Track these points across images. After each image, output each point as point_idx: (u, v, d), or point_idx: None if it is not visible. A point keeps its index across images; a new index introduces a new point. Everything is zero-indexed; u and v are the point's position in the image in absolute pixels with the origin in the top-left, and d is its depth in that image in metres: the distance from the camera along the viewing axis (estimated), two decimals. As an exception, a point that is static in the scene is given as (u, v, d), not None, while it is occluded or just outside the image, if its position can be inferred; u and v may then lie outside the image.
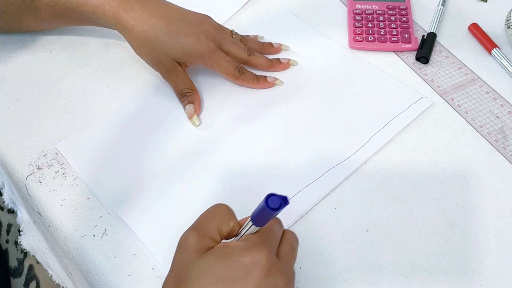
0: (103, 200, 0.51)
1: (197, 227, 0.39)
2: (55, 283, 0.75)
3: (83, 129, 0.57)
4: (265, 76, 0.61)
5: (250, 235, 0.39)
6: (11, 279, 0.98)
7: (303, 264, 0.47)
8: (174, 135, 0.56)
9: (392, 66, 0.64)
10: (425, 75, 0.63)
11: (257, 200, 0.51)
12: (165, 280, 0.39)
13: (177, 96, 0.58)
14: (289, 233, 0.41)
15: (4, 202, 0.69)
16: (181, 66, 0.58)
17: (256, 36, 0.65)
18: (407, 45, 0.65)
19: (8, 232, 1.01)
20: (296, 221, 0.50)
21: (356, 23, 0.67)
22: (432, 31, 0.66)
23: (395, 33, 0.66)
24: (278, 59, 0.63)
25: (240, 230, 0.40)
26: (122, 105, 0.60)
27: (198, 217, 0.40)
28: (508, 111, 0.59)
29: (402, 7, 0.69)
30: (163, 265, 0.47)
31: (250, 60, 0.60)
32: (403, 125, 0.57)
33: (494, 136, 0.57)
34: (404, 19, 0.67)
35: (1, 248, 1.00)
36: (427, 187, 0.52)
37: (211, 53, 0.57)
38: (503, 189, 0.52)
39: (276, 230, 0.40)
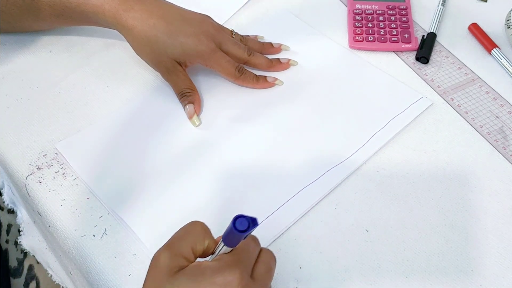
0: (103, 200, 0.51)
1: (170, 245, 0.38)
2: (55, 283, 0.75)
3: (83, 129, 0.57)
4: (265, 76, 0.61)
5: (223, 254, 0.38)
6: (11, 279, 0.98)
7: (303, 264, 0.47)
8: (174, 135, 0.57)
9: (392, 66, 0.64)
10: (425, 75, 0.63)
11: (257, 200, 0.51)
12: None
13: (177, 96, 0.58)
14: (265, 252, 0.40)
15: (4, 202, 0.70)
16: (181, 66, 0.58)
17: (256, 36, 0.65)
18: (407, 45, 0.65)
19: (8, 232, 1.01)
20: (296, 221, 0.50)
21: (356, 23, 0.67)
22: (432, 31, 0.66)
23: (395, 33, 0.66)
24: (278, 59, 0.63)
25: (215, 248, 0.39)
26: (122, 105, 0.60)
27: (172, 235, 0.39)
28: (508, 111, 0.59)
29: (402, 7, 0.69)
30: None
31: (250, 60, 0.60)
32: (403, 125, 0.57)
33: (494, 136, 0.57)
34: (404, 19, 0.67)
35: (1, 248, 1.00)
36: (427, 187, 0.52)
37: (211, 53, 0.57)
38: (503, 189, 0.52)
39: (252, 249, 0.39)
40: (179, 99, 0.58)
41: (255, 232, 0.48)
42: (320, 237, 0.49)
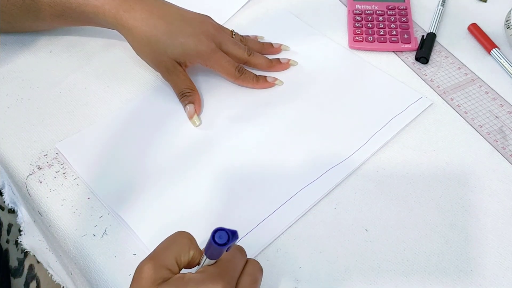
0: (103, 200, 0.51)
1: (154, 256, 0.38)
2: (56, 282, 0.75)
3: (84, 129, 0.57)
4: (265, 76, 0.61)
5: (207, 266, 0.37)
6: (12, 279, 0.98)
7: (303, 264, 0.47)
8: (174, 135, 0.57)
9: (392, 66, 0.64)
10: (425, 75, 0.63)
11: (257, 200, 0.51)
12: None
13: (177, 96, 0.58)
14: (251, 264, 0.40)
15: (4, 202, 0.70)
16: (181, 66, 0.58)
17: (256, 36, 0.65)
18: (407, 45, 0.65)
19: (8, 232, 1.01)
20: (296, 221, 0.50)
21: (356, 23, 0.67)
22: (431, 31, 0.66)
23: (394, 33, 0.66)
24: (278, 59, 0.63)
25: (201, 259, 0.39)
26: (123, 105, 0.60)
27: (157, 245, 0.39)
28: (508, 111, 0.59)
29: (401, 7, 0.69)
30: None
31: (250, 60, 0.60)
32: (402, 125, 0.57)
33: (493, 136, 0.57)
34: (403, 19, 0.67)
35: (1, 248, 1.00)
36: (426, 187, 0.52)
37: (211, 53, 0.57)
38: (502, 189, 0.52)
39: (237, 260, 0.39)
40: (179, 99, 0.58)
41: (252, 235, 0.48)
42: (320, 237, 0.49)
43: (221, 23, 0.63)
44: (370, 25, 0.67)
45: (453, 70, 0.63)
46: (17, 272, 0.99)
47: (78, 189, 0.52)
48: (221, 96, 0.60)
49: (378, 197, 0.52)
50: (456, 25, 0.69)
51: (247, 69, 0.60)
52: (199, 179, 0.53)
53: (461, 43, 0.66)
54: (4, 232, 1.01)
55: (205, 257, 0.38)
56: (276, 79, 0.61)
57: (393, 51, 0.66)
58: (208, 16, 0.61)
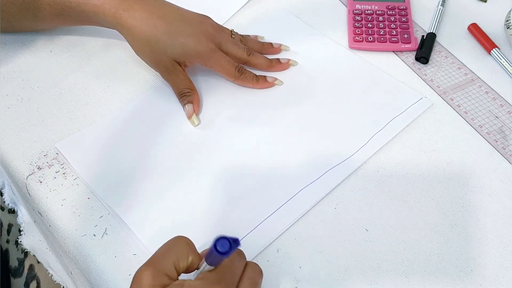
0: (103, 200, 0.51)
1: (153, 262, 0.38)
2: (56, 282, 0.75)
3: (84, 129, 0.57)
4: (265, 76, 0.61)
5: (207, 272, 0.37)
6: (12, 279, 0.98)
7: (303, 264, 0.47)
8: (174, 135, 0.57)
9: (392, 66, 0.64)
10: (425, 75, 0.63)
11: (257, 200, 0.51)
12: None
13: (177, 96, 0.58)
14: (251, 267, 0.40)
15: (4, 202, 0.70)
16: (180, 66, 0.58)
17: (256, 36, 0.65)
18: (407, 45, 0.65)
19: (8, 232, 1.01)
20: (296, 221, 0.50)
21: (356, 23, 0.67)
22: (431, 31, 0.66)
23: (394, 33, 0.66)
24: (278, 59, 0.63)
25: (200, 264, 0.39)
26: (123, 105, 0.60)
27: (155, 251, 0.39)
28: (508, 111, 0.59)
29: (401, 7, 0.69)
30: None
31: (249, 60, 0.60)
32: (403, 126, 0.57)
33: (493, 136, 0.57)
34: (403, 19, 0.67)
35: (1, 248, 1.00)
36: (426, 187, 0.52)
37: (211, 53, 0.57)
38: (502, 189, 0.52)
39: (236, 265, 0.39)
40: (179, 99, 0.58)
41: (252, 235, 0.48)
42: (320, 237, 0.49)
43: (221, 23, 0.64)
44: (370, 25, 0.67)
45: (453, 70, 0.63)
46: (17, 272, 0.99)
47: (78, 189, 0.52)
48: (221, 96, 0.60)
49: (378, 197, 0.52)
50: (456, 25, 0.69)
51: (247, 69, 0.60)
52: (199, 179, 0.53)
53: (461, 43, 0.66)
54: (4, 232, 1.01)
55: (204, 262, 0.38)
56: (276, 79, 0.61)
57: (393, 51, 0.66)
58: (208, 16, 0.61)
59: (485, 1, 0.72)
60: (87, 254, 0.48)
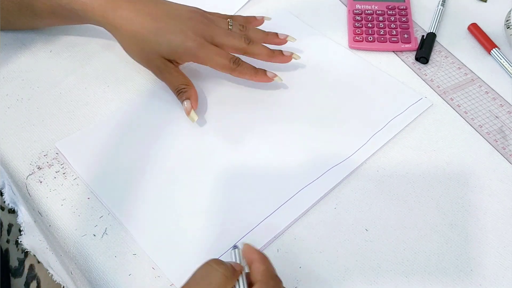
0: (102, 200, 0.51)
1: None
2: (56, 282, 0.75)
3: (84, 128, 0.57)
4: (265, 70, 0.58)
5: None
6: (12, 279, 0.98)
7: (303, 264, 0.47)
8: (174, 135, 0.57)
9: (392, 66, 0.64)
10: (425, 75, 0.63)
11: (257, 200, 0.51)
12: None
13: (174, 93, 0.58)
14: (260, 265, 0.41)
15: (4, 202, 0.70)
16: (172, 63, 0.57)
17: (262, 17, 0.63)
18: (407, 45, 0.65)
19: (8, 232, 1.01)
20: (296, 221, 0.50)
21: (356, 23, 0.67)
22: (431, 31, 0.67)
23: (394, 33, 0.66)
24: (281, 50, 0.60)
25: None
26: (123, 105, 0.60)
27: (190, 279, 0.39)
28: (508, 111, 0.59)
29: (401, 7, 0.69)
30: (162, 266, 0.47)
31: (248, 49, 0.57)
32: (402, 126, 0.57)
33: (493, 136, 0.57)
34: (403, 19, 0.67)
35: (1, 249, 1.00)
36: (426, 186, 0.52)
37: (200, 49, 0.55)
38: (502, 189, 0.52)
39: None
40: (176, 96, 0.57)
41: (252, 235, 0.48)
42: (320, 237, 0.49)
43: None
44: (370, 25, 0.67)
45: (453, 70, 0.63)
46: (18, 272, 0.99)
47: (78, 189, 0.52)
48: (221, 96, 0.60)
49: (378, 197, 0.52)
50: (456, 25, 0.69)
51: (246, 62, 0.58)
52: (198, 179, 0.53)
53: (461, 43, 0.66)
54: (5, 232, 1.01)
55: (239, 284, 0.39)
56: (275, 75, 0.58)
57: (393, 51, 0.66)
58: (198, 10, 0.59)
59: (485, 1, 0.72)
60: (87, 254, 0.48)
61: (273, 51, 0.59)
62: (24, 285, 0.97)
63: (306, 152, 0.55)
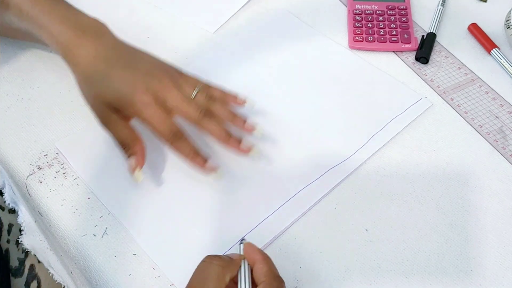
0: (102, 200, 0.51)
1: None
2: (56, 282, 0.75)
3: (84, 128, 0.57)
4: (237, 140, 0.52)
5: None
6: (12, 279, 0.98)
7: (303, 264, 0.47)
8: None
9: (392, 66, 0.64)
10: (425, 75, 0.63)
11: (257, 200, 0.51)
12: None
13: (118, 148, 0.52)
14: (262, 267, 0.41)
15: (5, 202, 0.70)
16: (119, 113, 0.52)
17: (244, 100, 0.55)
18: (407, 45, 0.65)
19: (9, 232, 1.01)
20: (296, 221, 0.50)
21: (356, 23, 0.67)
22: (431, 31, 0.67)
23: (394, 33, 0.66)
24: (239, 140, 0.52)
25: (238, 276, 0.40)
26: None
27: (190, 280, 0.39)
28: (508, 111, 0.59)
29: (401, 7, 0.69)
30: (162, 266, 0.47)
31: (201, 122, 0.51)
32: (402, 126, 0.57)
33: (493, 136, 0.57)
34: (403, 19, 0.67)
35: (1, 249, 1.00)
36: (426, 186, 0.52)
37: (144, 107, 0.50)
38: (502, 189, 0.52)
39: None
40: (121, 151, 0.52)
41: (252, 235, 0.48)
42: (320, 237, 0.49)
43: (221, 23, 0.63)
44: (370, 25, 0.67)
45: (453, 70, 0.63)
46: (18, 272, 0.99)
47: (78, 189, 0.52)
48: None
49: (378, 197, 0.52)
50: (456, 25, 0.69)
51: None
52: (199, 179, 0.53)
53: (461, 43, 0.66)
54: (5, 232, 1.01)
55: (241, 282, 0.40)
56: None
57: (393, 51, 0.66)
58: (169, 68, 0.54)
59: (485, 1, 0.72)
60: (87, 254, 0.48)
61: (229, 135, 0.51)
62: (25, 285, 0.97)
63: (306, 153, 0.55)
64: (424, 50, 0.64)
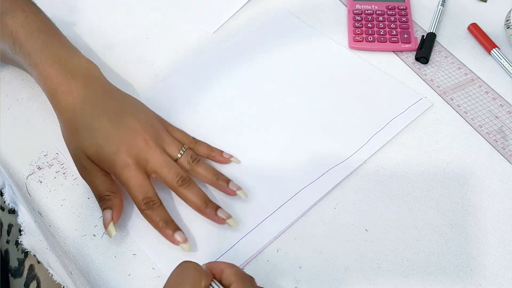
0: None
1: None
2: (56, 282, 0.75)
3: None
4: (214, 208, 0.49)
5: None
6: (12, 279, 0.98)
7: (303, 264, 0.47)
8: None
9: (392, 66, 0.64)
10: (425, 75, 0.63)
11: (257, 200, 0.51)
12: None
13: (96, 199, 0.50)
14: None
15: (5, 202, 0.70)
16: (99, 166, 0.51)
17: (230, 157, 0.54)
18: (407, 45, 0.65)
19: (8, 232, 1.02)
20: (296, 221, 0.50)
21: (356, 23, 0.67)
22: (431, 31, 0.67)
23: (394, 33, 0.66)
24: (217, 206, 0.49)
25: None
26: (123, 105, 0.60)
27: (166, 283, 0.39)
28: (508, 111, 0.59)
29: (401, 7, 0.69)
30: (162, 266, 0.47)
31: (178, 191, 0.49)
32: (402, 126, 0.57)
33: (493, 136, 0.57)
34: (403, 19, 0.67)
35: (0, 249, 1.00)
36: (426, 186, 0.52)
37: (123, 169, 0.49)
38: (502, 188, 0.52)
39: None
40: (98, 203, 0.50)
41: (252, 235, 0.48)
42: (320, 237, 0.49)
43: (221, 23, 0.63)
44: (370, 25, 0.67)
45: (453, 70, 0.63)
46: (17, 272, 0.99)
47: (78, 189, 0.52)
48: (220, 96, 0.60)
49: (378, 197, 0.52)
50: (456, 25, 0.69)
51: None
52: (197, 180, 0.53)
53: (461, 43, 0.66)
54: (4, 232, 1.02)
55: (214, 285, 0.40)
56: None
57: (393, 51, 0.66)
58: (155, 123, 0.52)
59: (485, 1, 0.72)
60: (87, 254, 0.48)
61: (205, 204, 0.49)
62: (24, 285, 0.98)
63: (306, 153, 0.55)
64: (424, 50, 0.64)
